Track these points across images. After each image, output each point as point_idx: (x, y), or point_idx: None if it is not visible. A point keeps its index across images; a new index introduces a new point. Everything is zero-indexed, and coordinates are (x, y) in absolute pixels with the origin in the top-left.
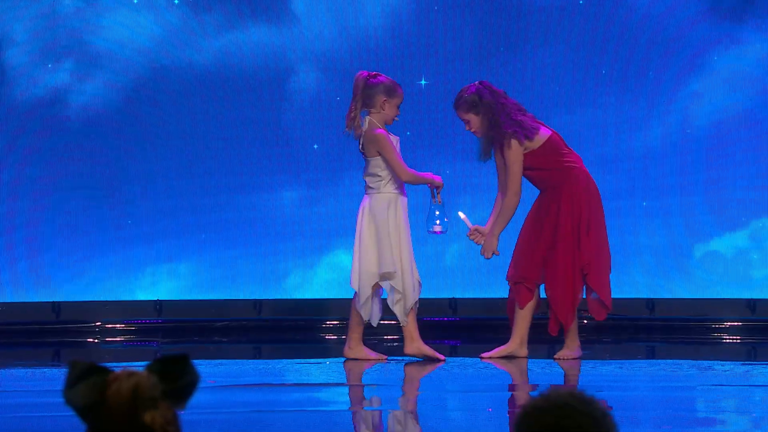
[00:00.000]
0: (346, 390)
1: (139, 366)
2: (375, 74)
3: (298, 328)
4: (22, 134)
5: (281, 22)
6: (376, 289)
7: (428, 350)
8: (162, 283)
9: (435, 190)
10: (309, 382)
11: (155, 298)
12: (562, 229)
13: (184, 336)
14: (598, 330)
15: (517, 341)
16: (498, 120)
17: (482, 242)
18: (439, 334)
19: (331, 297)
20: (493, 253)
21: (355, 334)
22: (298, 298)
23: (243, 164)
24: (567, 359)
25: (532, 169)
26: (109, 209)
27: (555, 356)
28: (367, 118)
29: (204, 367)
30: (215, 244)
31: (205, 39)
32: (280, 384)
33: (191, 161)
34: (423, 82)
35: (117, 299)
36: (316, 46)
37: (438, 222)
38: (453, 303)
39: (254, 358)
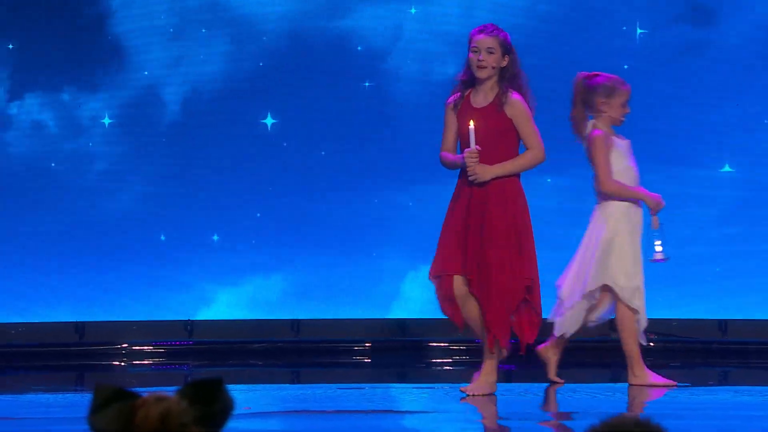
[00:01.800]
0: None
1: (169, 391)
2: (593, 74)
3: (338, 351)
4: None
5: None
6: (575, 301)
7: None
8: (194, 302)
9: (651, 212)
10: (356, 409)
11: (186, 318)
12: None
13: (217, 359)
14: (666, 354)
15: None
16: (520, 73)
17: (477, 165)
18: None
19: (374, 317)
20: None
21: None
22: (336, 318)
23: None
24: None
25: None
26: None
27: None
28: (591, 122)
29: (238, 392)
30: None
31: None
32: (320, 411)
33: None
34: None
35: (145, 318)
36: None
37: (659, 249)
38: None
39: (292, 382)
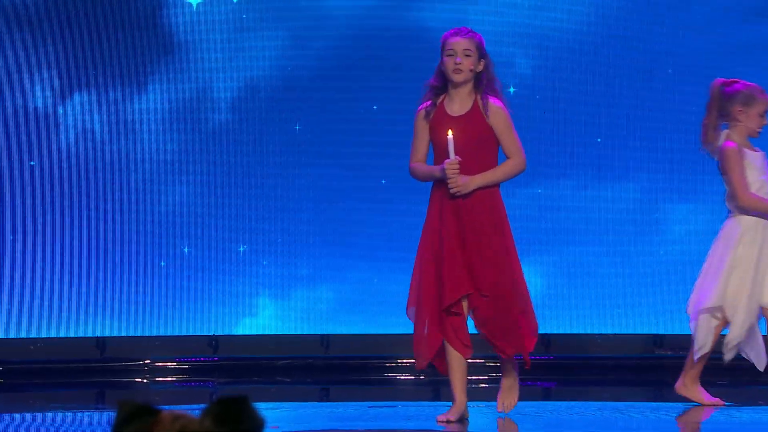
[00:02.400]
0: None
1: (193, 410)
2: (731, 81)
3: (369, 368)
4: None
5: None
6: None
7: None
8: (216, 316)
9: None
10: (389, 428)
11: (210, 333)
12: None
13: (243, 375)
14: (711, 371)
15: None
16: (494, 78)
17: (458, 177)
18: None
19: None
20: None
21: (694, 371)
22: (367, 333)
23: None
24: None
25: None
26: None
27: None
28: (725, 131)
29: (265, 410)
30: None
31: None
32: (351, 431)
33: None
34: None
35: (168, 334)
36: None
37: None
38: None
39: (322, 400)
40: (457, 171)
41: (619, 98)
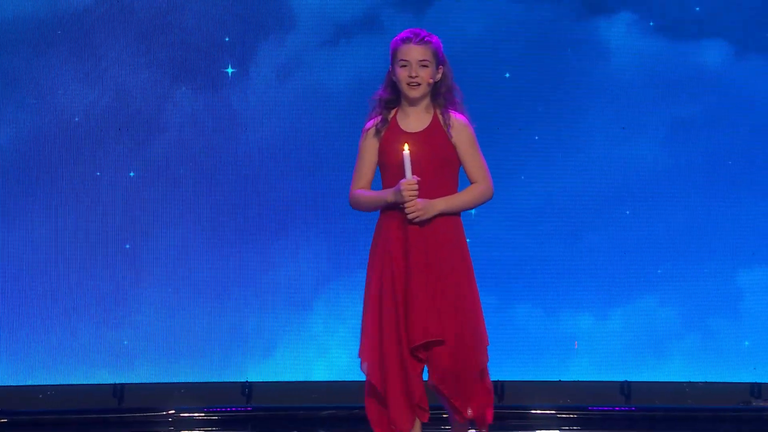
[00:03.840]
0: None
1: None
2: None
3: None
4: None
5: None
6: None
7: None
8: (252, 361)
9: None
10: None
11: (243, 380)
12: None
13: (280, 428)
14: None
15: None
16: (454, 87)
17: (416, 201)
18: None
19: None
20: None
21: None
22: None
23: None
24: None
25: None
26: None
27: None
28: None
29: None
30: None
31: None
32: None
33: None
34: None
35: (195, 380)
36: None
37: None
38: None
39: None
40: (416, 193)
41: None
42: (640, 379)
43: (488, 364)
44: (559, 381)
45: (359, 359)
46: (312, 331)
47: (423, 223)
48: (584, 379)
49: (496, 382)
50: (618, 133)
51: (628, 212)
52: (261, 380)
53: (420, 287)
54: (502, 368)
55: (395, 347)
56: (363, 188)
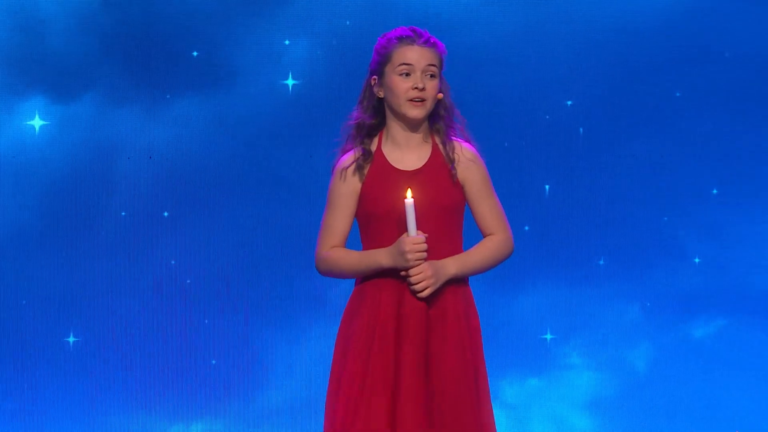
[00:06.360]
0: None
1: None
2: None
3: None
4: None
5: None
6: None
7: None
8: None
9: None
10: None
11: None
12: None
13: None
14: None
15: None
16: (453, 108)
17: (426, 266)
18: None
19: None
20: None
21: None
22: None
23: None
24: None
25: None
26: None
27: None
28: None
29: None
30: None
31: None
32: None
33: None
34: None
35: None
36: None
37: None
38: None
39: None
40: (424, 255)
41: None
42: None
43: None
44: None
45: None
46: None
47: (428, 298)
48: None
49: None
50: None
51: None
52: None
53: (415, 377)
54: None
55: None
56: (339, 245)
